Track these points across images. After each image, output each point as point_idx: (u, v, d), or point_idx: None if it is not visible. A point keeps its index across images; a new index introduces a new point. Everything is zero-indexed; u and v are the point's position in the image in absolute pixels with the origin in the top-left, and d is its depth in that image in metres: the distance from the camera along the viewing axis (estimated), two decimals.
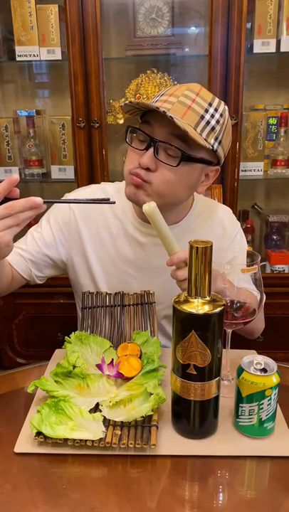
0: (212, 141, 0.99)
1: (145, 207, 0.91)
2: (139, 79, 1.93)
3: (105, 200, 0.87)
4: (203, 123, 0.98)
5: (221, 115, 1.01)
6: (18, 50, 1.85)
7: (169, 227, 0.95)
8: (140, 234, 1.15)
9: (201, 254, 0.75)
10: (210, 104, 1.00)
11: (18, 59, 1.87)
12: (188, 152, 0.98)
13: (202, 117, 0.98)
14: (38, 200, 0.80)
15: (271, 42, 1.79)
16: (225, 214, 1.22)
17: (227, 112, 1.03)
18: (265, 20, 1.77)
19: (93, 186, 1.23)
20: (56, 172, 1.99)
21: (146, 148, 0.99)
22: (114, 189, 1.18)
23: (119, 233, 1.16)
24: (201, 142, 0.97)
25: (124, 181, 1.08)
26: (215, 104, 1.00)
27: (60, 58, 1.86)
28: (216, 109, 1.00)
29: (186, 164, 0.99)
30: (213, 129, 0.99)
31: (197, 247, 0.75)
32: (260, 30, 1.78)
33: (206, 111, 0.99)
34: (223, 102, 1.03)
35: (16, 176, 0.80)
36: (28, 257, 1.14)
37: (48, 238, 1.15)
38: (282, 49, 1.77)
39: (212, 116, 0.99)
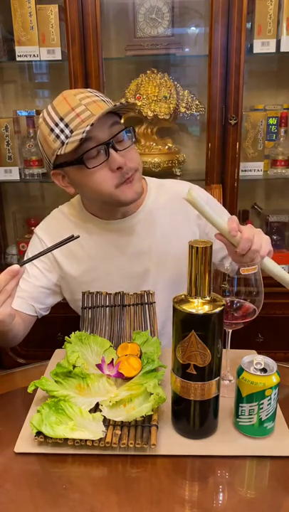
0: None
1: (187, 197, 0.97)
2: (139, 79, 1.93)
3: (70, 238, 0.93)
4: (107, 102, 1.09)
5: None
6: (18, 50, 1.85)
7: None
8: (110, 233, 1.17)
9: (201, 254, 0.75)
10: (92, 91, 1.09)
11: (18, 59, 1.87)
12: (126, 125, 1.08)
13: (103, 100, 1.07)
14: (15, 267, 0.86)
15: (271, 42, 1.79)
16: (175, 185, 1.25)
17: None
18: (265, 20, 1.77)
19: (53, 212, 1.27)
20: None
21: (107, 154, 1.03)
22: (70, 209, 1.23)
23: (88, 244, 1.18)
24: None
25: (74, 199, 1.22)
26: (90, 89, 1.12)
27: (60, 58, 1.86)
28: (95, 91, 1.11)
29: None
30: (109, 101, 1.09)
31: (197, 247, 0.75)
32: (260, 30, 1.78)
33: (97, 96, 1.07)
34: None
35: None
36: (28, 295, 1.16)
37: (34, 272, 1.19)
38: (282, 49, 1.77)
39: (101, 95, 1.09)
